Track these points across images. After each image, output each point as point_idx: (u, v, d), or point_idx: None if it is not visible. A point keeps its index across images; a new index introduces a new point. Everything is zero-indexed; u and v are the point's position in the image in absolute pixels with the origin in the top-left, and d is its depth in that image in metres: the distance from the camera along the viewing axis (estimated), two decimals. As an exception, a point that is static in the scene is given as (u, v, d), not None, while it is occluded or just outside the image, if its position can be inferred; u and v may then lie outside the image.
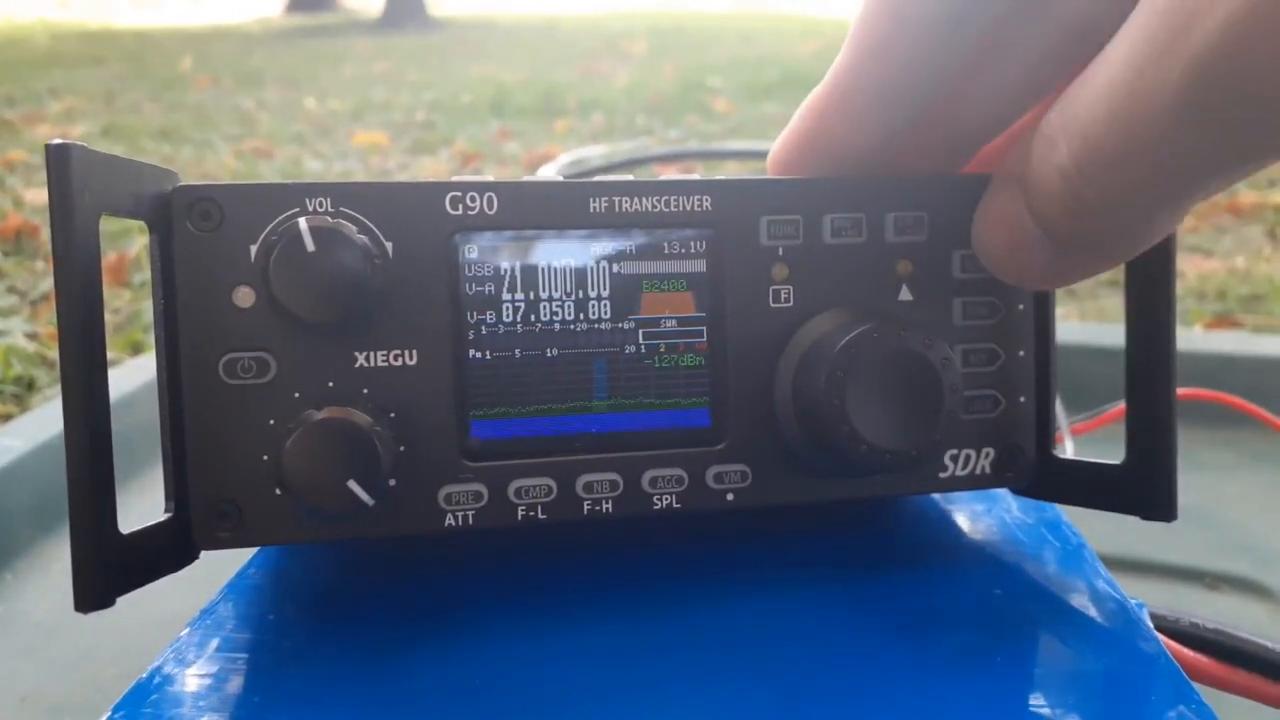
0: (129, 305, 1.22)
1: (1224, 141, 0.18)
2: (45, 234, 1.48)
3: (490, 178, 0.26)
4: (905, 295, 0.27)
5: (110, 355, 0.19)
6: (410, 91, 4.03)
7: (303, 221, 0.23)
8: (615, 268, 0.26)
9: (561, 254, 0.26)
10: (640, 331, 0.26)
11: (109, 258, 1.34)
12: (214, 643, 0.25)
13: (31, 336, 1.06)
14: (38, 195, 1.79)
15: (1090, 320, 1.18)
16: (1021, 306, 0.28)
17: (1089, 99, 0.20)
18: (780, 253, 0.27)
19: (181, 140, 2.73)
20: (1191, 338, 0.75)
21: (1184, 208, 0.21)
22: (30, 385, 0.94)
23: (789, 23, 8.16)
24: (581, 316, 0.26)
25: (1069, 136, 0.21)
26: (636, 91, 3.89)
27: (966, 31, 0.24)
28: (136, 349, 1.05)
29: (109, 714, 0.22)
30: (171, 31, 7.65)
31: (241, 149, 2.59)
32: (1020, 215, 0.23)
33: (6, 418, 0.85)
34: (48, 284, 1.29)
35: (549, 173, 1.04)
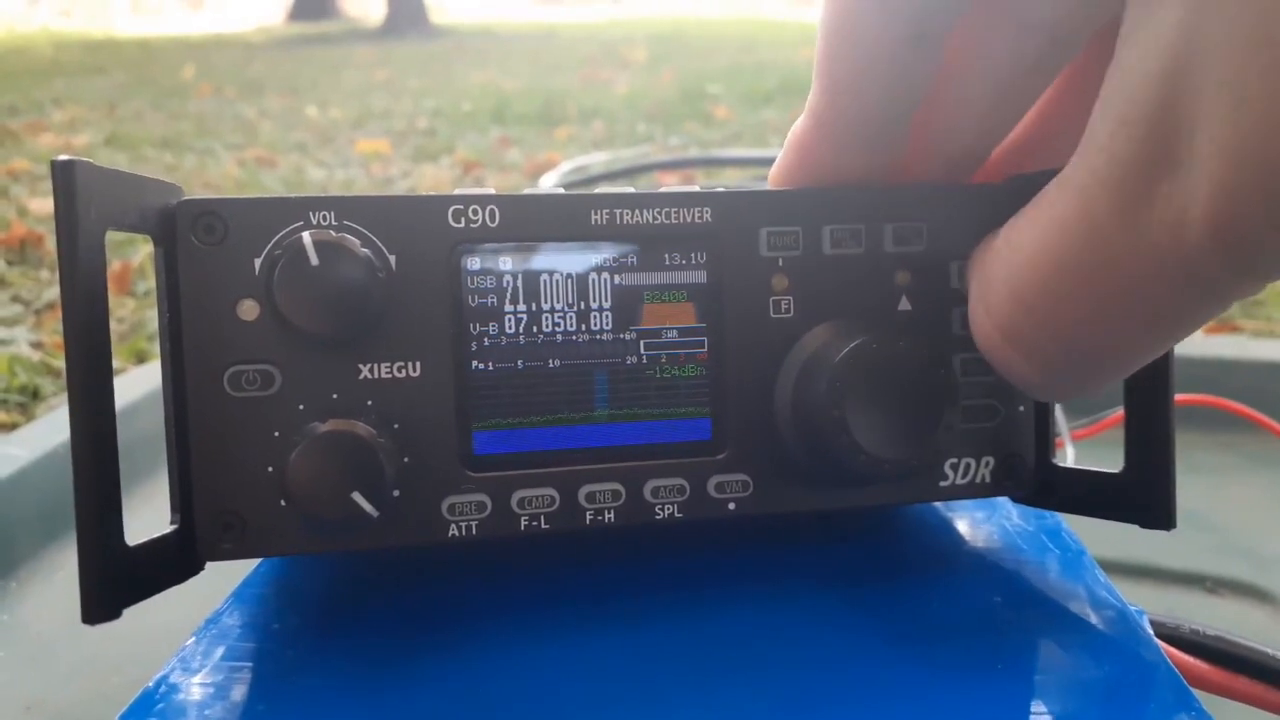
0: (133, 314, 1.22)
1: (1223, 299, 0.19)
2: (50, 243, 1.48)
3: (492, 190, 0.26)
4: (904, 305, 0.28)
5: (115, 364, 0.19)
6: (412, 99, 4.04)
7: (306, 235, 0.23)
8: (616, 279, 0.26)
9: (563, 265, 0.26)
10: (641, 342, 0.27)
11: (113, 267, 1.34)
12: (219, 652, 0.25)
13: (36, 345, 1.06)
14: (42, 205, 1.79)
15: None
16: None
17: (1049, 307, 0.20)
18: (780, 263, 0.27)
19: (184, 149, 2.74)
20: (1191, 342, 0.75)
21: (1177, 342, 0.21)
22: (35, 394, 0.95)
23: (788, 30, 8.18)
24: (583, 328, 0.26)
25: (1032, 352, 0.21)
26: (636, 99, 3.89)
27: (931, 47, 0.23)
28: (141, 358, 1.05)
29: (115, 724, 0.22)
30: (173, 40, 7.67)
31: (244, 157, 2.59)
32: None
33: (11, 427, 0.85)
34: (52, 293, 1.29)
35: (551, 181, 1.05)
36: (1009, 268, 0.21)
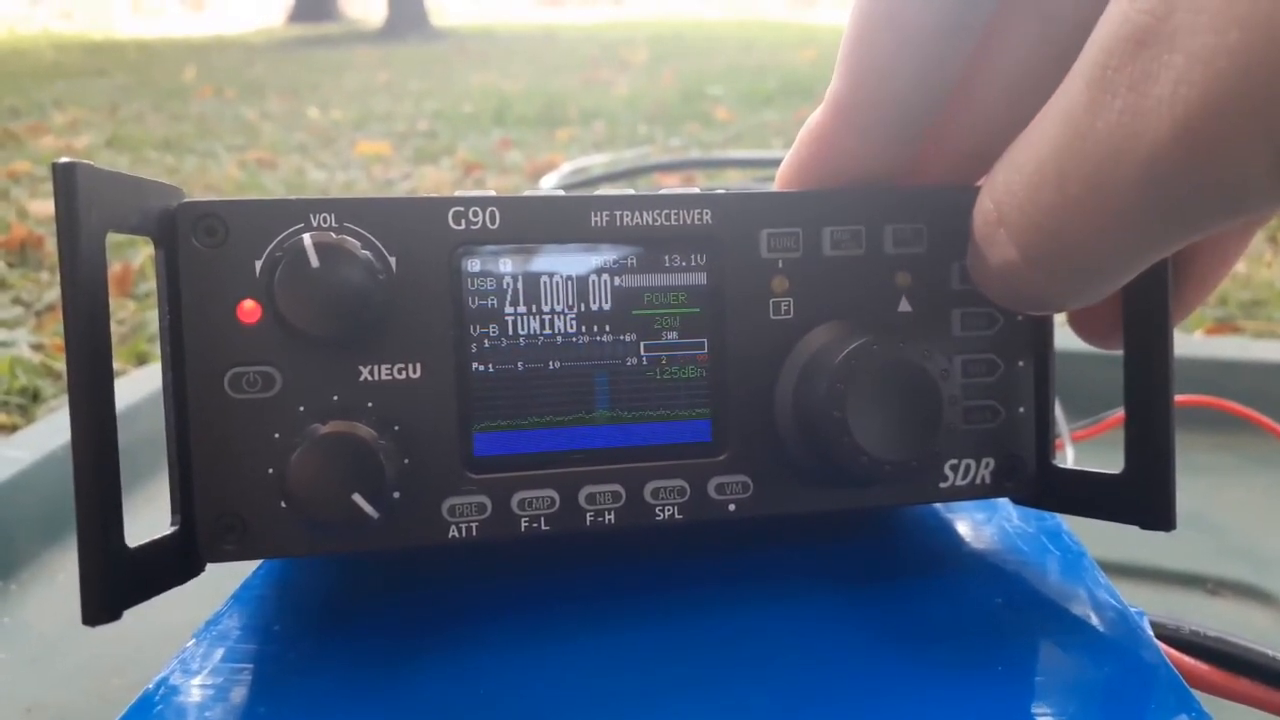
0: (134, 316, 1.22)
1: (1191, 215, 0.18)
2: (50, 245, 1.48)
3: (492, 192, 0.26)
4: (904, 306, 0.28)
5: (115, 366, 0.19)
6: (412, 101, 4.04)
7: (307, 237, 0.23)
8: (617, 281, 0.26)
9: (563, 267, 0.26)
10: (642, 344, 0.27)
11: (114, 269, 1.34)
12: (219, 653, 0.25)
13: (37, 348, 1.06)
14: (43, 206, 1.79)
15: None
16: (1020, 317, 0.28)
17: (1028, 189, 0.20)
18: (780, 265, 0.27)
19: (185, 151, 2.74)
20: (1192, 343, 0.75)
21: (1150, 260, 0.21)
22: (35, 396, 0.95)
23: (788, 31, 8.18)
24: (583, 329, 0.26)
25: (1015, 231, 0.21)
26: (637, 100, 3.90)
27: (965, 36, 0.23)
28: (141, 359, 1.05)
29: (116, 726, 0.22)
30: (174, 42, 7.68)
31: (245, 159, 2.59)
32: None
33: (12, 429, 0.85)
34: (53, 295, 1.29)
35: (551, 182, 1.05)
36: (1010, 151, 0.21)
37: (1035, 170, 0.20)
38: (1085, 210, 0.19)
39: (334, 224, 0.25)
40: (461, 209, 0.25)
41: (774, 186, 0.28)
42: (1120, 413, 0.27)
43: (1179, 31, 0.16)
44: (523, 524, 0.26)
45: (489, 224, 0.26)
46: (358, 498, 0.23)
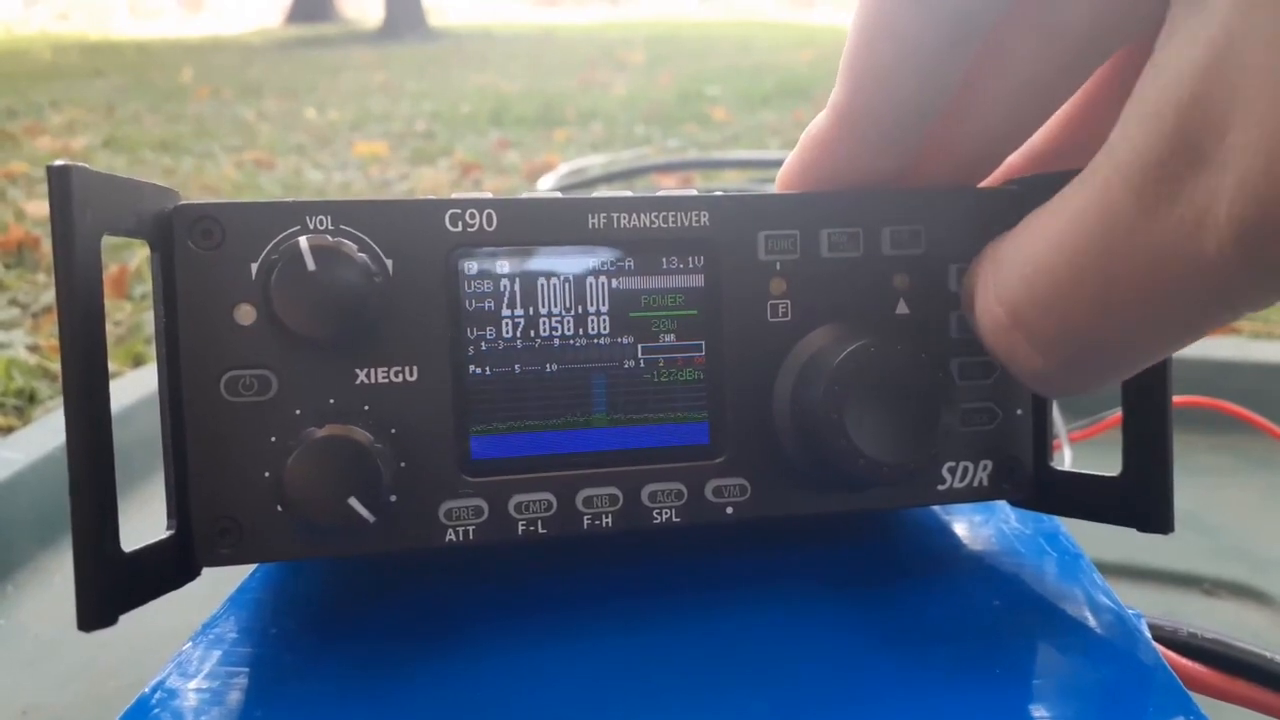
0: (130, 317, 1.22)
1: (1248, 305, 0.18)
2: (47, 246, 1.48)
3: (489, 194, 0.26)
4: (902, 309, 0.28)
5: (111, 367, 0.19)
6: (410, 102, 4.04)
7: (303, 240, 0.23)
8: (614, 283, 0.26)
9: (560, 269, 0.26)
10: (639, 346, 0.27)
11: (110, 270, 1.34)
12: (216, 656, 0.25)
13: (33, 349, 1.06)
14: (39, 208, 1.79)
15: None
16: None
17: (1059, 294, 0.20)
18: (778, 267, 0.27)
19: (182, 151, 2.74)
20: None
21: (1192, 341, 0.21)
22: (31, 398, 0.94)
23: (786, 32, 8.19)
24: (580, 332, 0.26)
25: (1043, 340, 0.21)
26: (635, 101, 3.90)
27: (965, 47, 0.23)
28: (138, 361, 1.05)
29: (112, 730, 0.22)
30: (171, 43, 7.67)
31: (242, 160, 2.59)
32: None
33: (8, 430, 0.85)
34: (49, 296, 1.29)
35: (549, 183, 1.05)
36: (1023, 252, 0.21)
37: (1069, 276, 0.19)
38: (1133, 313, 0.19)
39: (330, 226, 0.25)
40: (458, 211, 0.25)
41: (774, 188, 0.28)
42: (1118, 413, 0.27)
43: (1230, 130, 0.16)
44: (520, 527, 0.26)
45: (486, 226, 0.26)
46: (354, 501, 0.23)
